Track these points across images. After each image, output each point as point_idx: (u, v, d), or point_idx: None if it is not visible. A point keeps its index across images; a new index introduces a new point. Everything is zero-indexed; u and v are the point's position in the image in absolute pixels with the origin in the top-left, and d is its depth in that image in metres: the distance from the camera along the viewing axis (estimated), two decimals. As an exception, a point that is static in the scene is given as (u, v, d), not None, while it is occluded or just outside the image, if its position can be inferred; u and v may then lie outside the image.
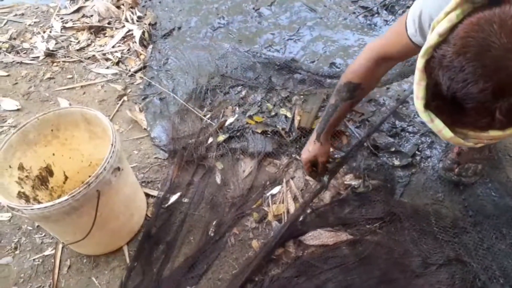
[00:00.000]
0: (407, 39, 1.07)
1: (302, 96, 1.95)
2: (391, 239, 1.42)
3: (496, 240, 1.36)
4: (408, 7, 2.36)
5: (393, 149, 1.68)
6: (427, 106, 0.78)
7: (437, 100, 0.76)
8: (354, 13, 2.44)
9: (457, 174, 1.51)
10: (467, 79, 0.67)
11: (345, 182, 1.60)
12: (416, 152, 1.67)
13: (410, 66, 1.99)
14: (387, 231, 1.44)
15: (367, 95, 1.53)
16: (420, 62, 0.76)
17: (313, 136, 1.41)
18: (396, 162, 1.64)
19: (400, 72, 1.96)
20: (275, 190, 1.62)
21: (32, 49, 2.45)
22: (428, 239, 1.40)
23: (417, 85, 0.78)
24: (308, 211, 1.52)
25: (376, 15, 2.40)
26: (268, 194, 1.61)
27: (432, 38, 0.74)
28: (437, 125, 0.78)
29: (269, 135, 1.79)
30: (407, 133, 1.74)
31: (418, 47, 1.07)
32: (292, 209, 1.54)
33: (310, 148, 1.43)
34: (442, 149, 1.66)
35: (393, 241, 1.41)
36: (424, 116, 0.79)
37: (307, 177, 1.64)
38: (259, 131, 1.81)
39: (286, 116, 1.86)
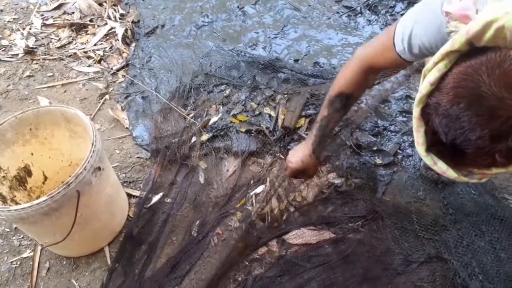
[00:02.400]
0: (396, 55, 1.07)
1: (286, 95, 1.94)
2: (373, 237, 1.43)
3: (475, 238, 1.39)
4: (391, 7, 2.39)
5: (375, 148, 1.69)
6: (428, 150, 0.80)
7: (437, 146, 0.77)
8: (337, 12, 2.45)
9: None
10: (464, 127, 0.69)
11: (328, 181, 1.61)
12: (398, 151, 1.69)
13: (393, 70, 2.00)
14: (369, 229, 1.45)
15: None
16: (416, 111, 0.78)
17: (309, 148, 1.36)
18: (378, 161, 1.65)
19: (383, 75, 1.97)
20: (259, 189, 1.61)
21: (11, 46, 2.39)
22: (410, 237, 1.42)
23: (416, 132, 0.80)
24: (292, 209, 1.53)
25: (360, 15, 2.42)
26: (251, 193, 1.60)
27: (424, 87, 0.75)
28: (441, 167, 0.80)
29: (253, 134, 1.79)
30: (389, 132, 1.76)
31: (408, 62, 1.09)
32: (276, 208, 1.54)
33: (304, 160, 1.37)
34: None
35: (375, 239, 1.42)
36: (427, 160, 0.81)
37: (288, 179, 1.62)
38: (243, 130, 1.80)
39: (270, 115, 1.86)
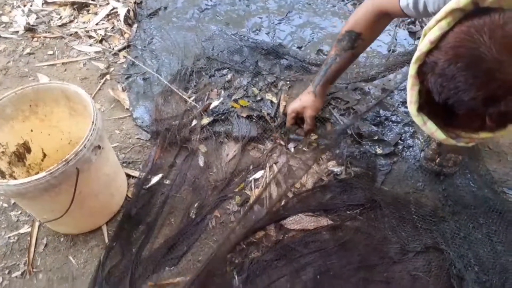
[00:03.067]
0: (398, 7, 1.08)
1: (288, 82, 1.93)
2: (370, 225, 1.43)
3: (472, 230, 1.39)
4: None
5: (376, 138, 1.69)
6: (420, 109, 0.80)
7: (429, 105, 0.77)
8: (343, 0, 2.42)
9: (438, 164, 1.54)
10: (459, 87, 0.68)
11: (328, 169, 1.61)
12: (399, 141, 1.69)
13: (397, 60, 1.99)
14: (367, 218, 1.46)
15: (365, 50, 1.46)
16: (412, 68, 0.78)
17: (309, 87, 1.37)
18: (379, 151, 1.65)
19: (385, 66, 1.96)
20: (258, 174, 1.61)
21: (11, 23, 2.36)
22: (407, 226, 1.42)
23: (410, 90, 0.80)
24: (290, 195, 1.53)
25: (365, 4, 2.39)
26: (251, 178, 1.60)
27: (424, 45, 0.75)
28: (430, 128, 0.80)
29: (254, 120, 1.78)
30: (390, 122, 1.76)
31: (408, 16, 1.12)
32: (274, 194, 1.54)
33: (303, 98, 1.38)
34: (424, 139, 1.67)
35: (373, 228, 1.43)
36: (417, 119, 0.81)
37: (287, 127, 1.63)
38: (244, 115, 1.79)
39: (271, 102, 1.85)
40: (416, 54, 0.76)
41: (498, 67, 0.64)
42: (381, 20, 1.24)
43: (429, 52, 0.74)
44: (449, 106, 0.72)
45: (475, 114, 0.69)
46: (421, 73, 0.77)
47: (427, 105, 0.78)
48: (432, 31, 0.74)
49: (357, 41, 1.27)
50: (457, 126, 0.77)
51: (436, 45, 0.73)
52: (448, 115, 0.74)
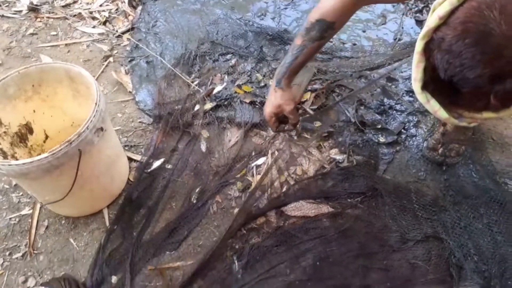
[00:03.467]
0: None
1: (292, 68, 1.91)
2: (371, 213, 1.44)
3: (473, 220, 1.39)
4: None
5: (379, 126, 1.68)
6: (424, 87, 0.79)
7: (434, 83, 0.76)
8: (350, -13, 2.39)
9: (441, 154, 1.53)
10: (465, 64, 0.67)
11: (330, 156, 1.61)
12: (402, 130, 1.68)
13: (402, 50, 1.97)
14: (368, 206, 1.46)
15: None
16: (419, 44, 0.76)
17: (273, 84, 1.29)
18: (382, 139, 1.64)
19: (391, 56, 1.94)
20: (260, 161, 1.61)
21: (14, 2, 2.34)
22: (408, 215, 1.42)
23: (416, 67, 0.78)
24: (292, 183, 1.53)
25: (372, -10, 2.36)
26: (252, 165, 1.60)
27: (432, 21, 0.73)
28: (433, 106, 0.79)
29: (257, 106, 1.77)
30: (394, 111, 1.74)
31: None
32: (276, 181, 1.54)
33: (272, 98, 1.31)
34: (427, 129, 1.66)
35: (373, 216, 1.43)
36: (421, 97, 0.80)
37: (274, 132, 1.59)
38: (247, 101, 1.78)
39: (275, 88, 1.83)
40: (424, 30, 0.74)
41: (507, 44, 0.63)
42: (358, 5, 1.16)
43: (437, 28, 0.73)
44: (454, 83, 0.70)
45: (481, 93, 0.68)
46: (427, 50, 0.75)
47: (432, 82, 0.77)
48: (442, 6, 0.72)
49: (327, 31, 1.17)
50: (462, 105, 0.76)
51: (445, 20, 0.72)
52: (453, 93, 0.73)
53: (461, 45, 0.67)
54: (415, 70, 0.78)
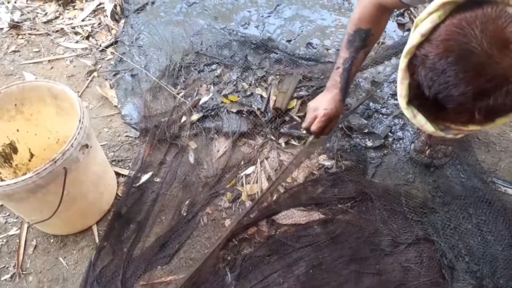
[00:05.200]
0: None
1: (278, 76, 1.92)
2: (362, 218, 1.44)
3: (463, 220, 1.40)
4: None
5: (366, 131, 1.69)
6: (410, 103, 0.79)
7: (419, 99, 0.77)
8: (332, -7, 2.41)
9: (428, 156, 1.54)
10: (448, 81, 0.68)
11: (319, 162, 1.61)
12: (389, 133, 1.69)
13: (385, 52, 1.99)
14: (358, 211, 1.46)
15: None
16: (403, 61, 0.77)
17: (338, 94, 1.28)
18: (369, 143, 1.65)
19: (374, 58, 1.96)
20: (249, 170, 1.61)
21: (-5, 20, 2.31)
22: (398, 218, 1.43)
23: (400, 84, 0.79)
24: (282, 191, 1.52)
25: (354, -4, 2.38)
26: (242, 174, 1.59)
27: (414, 38, 0.74)
28: (420, 121, 0.80)
29: (244, 115, 1.77)
30: (380, 115, 1.76)
31: (405, 5, 1.12)
32: (266, 189, 1.53)
33: (337, 106, 1.29)
34: (414, 131, 1.68)
35: (364, 220, 1.43)
36: (407, 112, 0.81)
37: (304, 128, 1.39)
38: (234, 111, 1.78)
39: (261, 96, 1.84)
40: (407, 48, 0.75)
41: (488, 62, 0.64)
42: (383, 14, 1.23)
43: (419, 45, 0.74)
44: (439, 100, 0.71)
45: (464, 108, 0.69)
46: (411, 66, 0.76)
47: (416, 98, 0.78)
48: (423, 23, 0.73)
49: (367, 38, 1.24)
50: (447, 119, 0.77)
51: (427, 37, 0.73)
52: (438, 109, 0.74)
53: (444, 63, 0.68)
54: (400, 86, 0.79)
